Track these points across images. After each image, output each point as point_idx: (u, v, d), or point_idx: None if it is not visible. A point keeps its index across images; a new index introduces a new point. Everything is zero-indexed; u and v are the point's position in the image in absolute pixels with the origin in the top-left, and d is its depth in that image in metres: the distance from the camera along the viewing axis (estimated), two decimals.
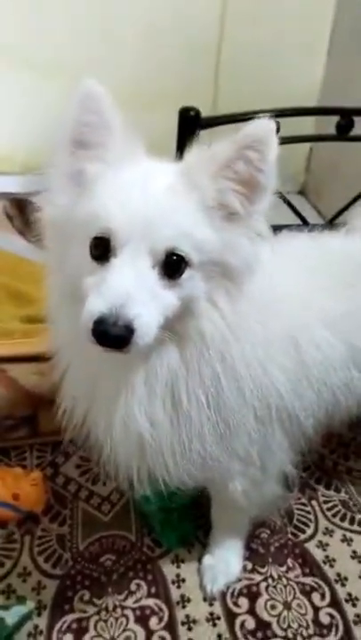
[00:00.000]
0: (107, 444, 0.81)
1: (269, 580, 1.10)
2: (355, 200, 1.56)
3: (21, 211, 1.46)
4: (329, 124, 1.56)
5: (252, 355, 0.77)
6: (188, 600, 1.06)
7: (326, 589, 1.09)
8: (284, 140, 1.63)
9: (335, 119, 1.54)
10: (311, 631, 1.02)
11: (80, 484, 1.25)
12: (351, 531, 1.20)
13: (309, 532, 1.19)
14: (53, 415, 1.22)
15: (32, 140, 2.25)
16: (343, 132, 1.56)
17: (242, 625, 1.03)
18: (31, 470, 1.19)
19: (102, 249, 0.66)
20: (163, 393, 0.75)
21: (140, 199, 0.65)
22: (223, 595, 1.07)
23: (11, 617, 0.97)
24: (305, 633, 1.02)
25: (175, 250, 0.65)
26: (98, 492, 1.23)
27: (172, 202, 0.67)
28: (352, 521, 1.22)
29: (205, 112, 1.34)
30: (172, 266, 0.66)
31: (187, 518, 1.15)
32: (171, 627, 1.01)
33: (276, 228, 0.96)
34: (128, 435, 0.77)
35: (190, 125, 1.34)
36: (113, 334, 0.61)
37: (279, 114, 1.52)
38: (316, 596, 1.08)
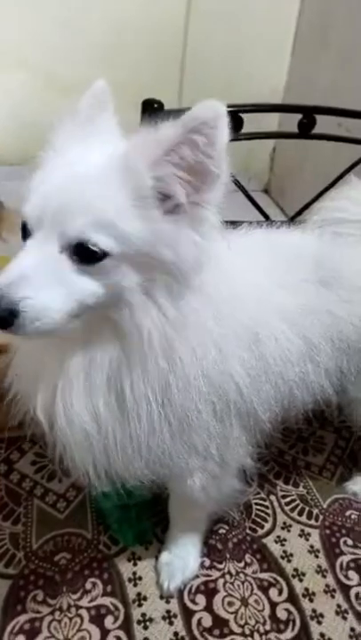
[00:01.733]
0: (53, 436, 0.79)
1: (227, 577, 1.09)
2: (316, 198, 1.57)
3: None
4: (292, 123, 1.57)
5: (203, 354, 0.74)
6: (145, 598, 1.04)
7: (284, 585, 1.09)
8: (248, 136, 1.65)
9: (298, 118, 1.54)
10: (268, 627, 1.02)
11: (35, 481, 1.21)
12: (309, 525, 1.20)
13: (268, 526, 1.19)
14: (8, 410, 1.19)
15: None
16: (305, 131, 1.57)
17: (199, 622, 1.01)
18: None
19: (24, 233, 0.66)
20: (104, 385, 0.73)
21: (55, 184, 0.64)
22: (180, 592, 1.05)
23: None
24: (262, 629, 1.01)
25: (86, 238, 0.62)
26: (53, 489, 1.20)
27: (94, 188, 0.63)
28: (310, 515, 1.22)
29: (170, 107, 1.33)
30: (85, 252, 0.63)
31: (144, 515, 1.13)
32: (126, 626, 0.99)
33: (239, 224, 0.95)
34: (70, 427, 0.75)
35: (153, 117, 1.33)
36: None
37: (242, 109, 1.53)
38: (273, 592, 1.08)
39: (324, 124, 1.54)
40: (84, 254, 0.63)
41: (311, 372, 0.93)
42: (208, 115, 0.59)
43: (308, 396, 0.96)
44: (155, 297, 0.67)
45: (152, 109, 1.33)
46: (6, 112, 2.17)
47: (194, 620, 1.01)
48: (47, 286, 0.62)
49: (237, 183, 1.65)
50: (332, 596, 1.08)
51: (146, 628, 0.99)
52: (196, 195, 0.63)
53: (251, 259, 0.89)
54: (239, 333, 0.80)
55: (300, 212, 1.65)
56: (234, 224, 0.87)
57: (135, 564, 1.09)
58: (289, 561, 1.13)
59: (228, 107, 1.56)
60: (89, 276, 0.64)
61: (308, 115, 1.54)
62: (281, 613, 1.04)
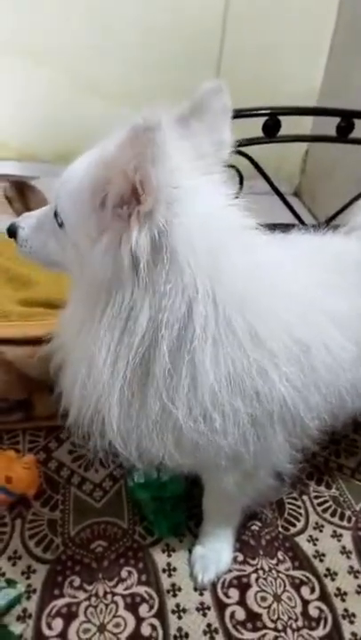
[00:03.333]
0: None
1: (260, 572, 1.09)
2: (351, 202, 1.57)
3: (21, 194, 1.45)
4: (326, 126, 1.58)
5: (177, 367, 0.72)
6: (179, 589, 1.05)
7: (316, 583, 1.09)
8: (287, 139, 1.65)
9: (333, 121, 1.55)
10: (300, 624, 1.02)
11: (72, 470, 1.23)
12: (341, 526, 1.20)
13: (300, 526, 1.19)
14: (48, 400, 1.22)
15: (27, 128, 2.25)
16: (343, 134, 1.57)
17: (232, 615, 1.02)
18: (24, 454, 1.18)
19: None
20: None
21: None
22: (214, 585, 1.06)
23: (0, 600, 0.95)
24: (294, 625, 1.02)
25: (56, 203, 0.75)
26: (90, 478, 1.22)
27: (71, 168, 0.73)
28: (342, 517, 1.22)
29: None
30: (56, 215, 0.75)
31: (179, 508, 1.15)
32: (161, 615, 1.01)
33: (271, 227, 0.95)
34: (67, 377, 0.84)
35: None
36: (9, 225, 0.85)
37: (280, 112, 1.54)
38: (305, 590, 1.08)
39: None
40: (57, 218, 0.75)
41: None
42: (139, 125, 0.57)
43: (358, 402, 0.94)
44: (86, 289, 0.74)
45: None
46: (37, 110, 2.20)
47: (227, 613, 1.02)
48: (34, 228, 0.82)
49: (272, 185, 1.66)
50: None
51: (180, 617, 1.01)
52: (126, 202, 0.63)
53: (300, 267, 0.87)
54: (286, 348, 0.77)
55: (335, 216, 1.66)
56: (269, 227, 0.87)
57: (169, 556, 1.10)
58: (321, 560, 1.13)
59: (267, 109, 1.58)
60: (57, 238, 0.77)
61: (348, 119, 1.55)
62: (313, 611, 1.05)
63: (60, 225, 0.75)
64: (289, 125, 1.53)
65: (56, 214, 0.75)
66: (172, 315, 0.68)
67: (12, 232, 0.85)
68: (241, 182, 1.52)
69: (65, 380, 0.85)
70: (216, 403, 0.74)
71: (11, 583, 1.00)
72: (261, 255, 0.76)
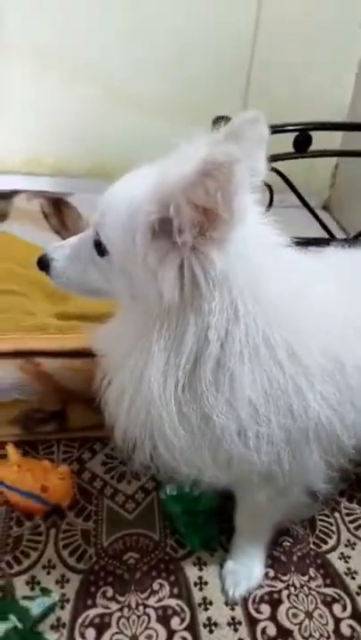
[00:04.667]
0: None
1: (291, 589, 1.09)
2: None
3: (58, 210, 1.48)
4: (356, 141, 1.58)
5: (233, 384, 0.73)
6: (210, 603, 1.05)
7: (348, 601, 1.08)
8: (316, 154, 1.66)
9: None
10: None
11: (105, 482, 1.25)
12: None
13: (332, 543, 1.19)
14: (82, 411, 1.24)
15: (61, 143, 2.30)
16: None
17: (263, 631, 1.02)
18: (58, 464, 1.20)
19: None
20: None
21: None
22: (245, 600, 1.06)
23: (35, 608, 0.97)
24: None
25: (97, 232, 0.75)
26: (123, 490, 1.24)
27: (112, 196, 0.74)
28: None
29: None
30: (97, 245, 0.76)
31: (211, 522, 1.15)
32: (192, 628, 1.01)
33: (303, 242, 0.96)
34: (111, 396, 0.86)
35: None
36: (38, 258, 0.83)
37: (311, 128, 1.55)
38: (337, 607, 1.07)
39: None
40: (97, 246, 0.76)
41: None
42: (222, 160, 0.58)
43: None
44: (137, 311, 0.76)
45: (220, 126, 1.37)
46: (71, 124, 2.24)
47: (258, 629, 1.02)
48: (70, 259, 0.80)
49: (302, 200, 1.67)
50: None
51: (211, 632, 1.01)
52: (200, 233, 0.64)
53: (335, 285, 0.86)
54: (320, 366, 0.77)
55: None
56: (300, 242, 0.87)
57: (201, 569, 1.10)
58: (353, 578, 1.13)
59: (298, 125, 1.59)
60: (98, 267, 0.77)
61: None
62: (345, 629, 1.04)
63: (102, 254, 0.75)
64: (319, 140, 1.54)
65: (98, 243, 0.75)
66: (215, 332, 0.70)
67: (45, 264, 0.82)
68: (271, 196, 1.53)
69: (111, 395, 0.85)
70: (252, 419, 0.75)
71: (45, 592, 1.02)
72: (297, 273, 0.78)
